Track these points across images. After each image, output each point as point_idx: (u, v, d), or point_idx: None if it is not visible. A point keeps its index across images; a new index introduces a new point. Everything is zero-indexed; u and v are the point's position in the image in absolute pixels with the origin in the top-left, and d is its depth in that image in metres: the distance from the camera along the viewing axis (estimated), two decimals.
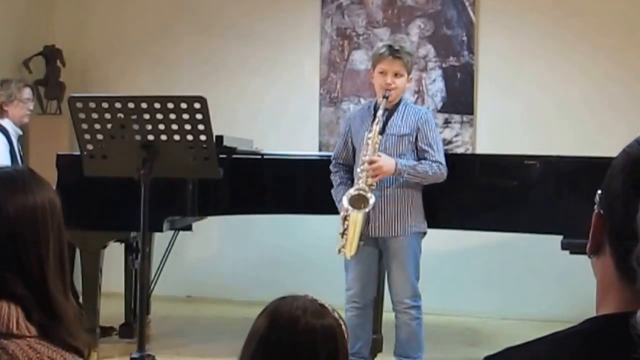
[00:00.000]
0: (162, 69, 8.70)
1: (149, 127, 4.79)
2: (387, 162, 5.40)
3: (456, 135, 8.16)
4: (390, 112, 5.56)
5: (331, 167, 5.77)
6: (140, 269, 5.08)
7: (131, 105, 4.80)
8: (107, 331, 6.60)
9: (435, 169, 5.51)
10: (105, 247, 6.23)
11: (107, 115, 4.84)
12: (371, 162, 5.36)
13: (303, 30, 8.53)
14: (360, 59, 8.33)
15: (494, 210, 6.09)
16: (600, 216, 1.43)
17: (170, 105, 4.76)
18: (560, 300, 7.48)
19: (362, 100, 7.94)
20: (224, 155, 5.99)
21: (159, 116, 4.77)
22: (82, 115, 4.86)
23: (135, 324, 6.27)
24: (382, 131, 5.47)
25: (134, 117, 4.79)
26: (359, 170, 5.42)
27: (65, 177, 6.06)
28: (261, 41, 8.56)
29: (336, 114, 8.38)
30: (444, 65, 8.19)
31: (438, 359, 6.27)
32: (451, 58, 8.18)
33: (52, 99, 8.68)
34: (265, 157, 6.48)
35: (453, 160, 5.75)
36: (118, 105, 4.82)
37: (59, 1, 9.04)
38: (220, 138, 5.92)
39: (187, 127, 4.78)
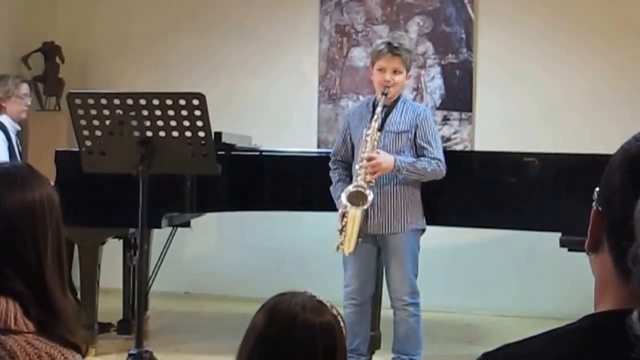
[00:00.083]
0: (161, 66, 8.70)
1: (148, 123, 4.78)
2: (385, 159, 5.40)
3: (455, 133, 8.16)
4: (389, 109, 5.56)
5: (330, 164, 5.77)
6: (138, 265, 5.08)
7: (130, 101, 4.80)
8: (105, 327, 6.61)
9: (434, 166, 5.51)
10: (103, 243, 6.24)
11: (106, 112, 4.83)
12: (370, 159, 5.37)
13: (302, 28, 8.53)
14: (359, 56, 8.32)
15: (492, 207, 6.09)
16: (598, 213, 1.43)
17: (169, 102, 4.76)
18: (559, 298, 7.48)
19: (360, 97, 7.94)
20: (223, 152, 5.99)
21: (158, 112, 4.76)
22: (80, 112, 4.85)
23: (134, 320, 6.28)
24: (380, 128, 5.47)
25: (133, 113, 4.78)
26: (357, 167, 5.42)
27: (64, 173, 6.07)
28: (260, 38, 8.56)
29: (335, 110, 8.37)
30: (442, 63, 8.19)
31: (436, 356, 6.27)
32: (450, 55, 8.18)
33: (51, 95, 8.67)
34: (263, 153, 6.49)
35: (452, 157, 5.74)
36: (116, 101, 4.82)
37: None
38: (218, 135, 5.93)
39: (186, 123, 4.78)
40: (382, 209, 5.49)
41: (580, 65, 7.93)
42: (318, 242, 6.86)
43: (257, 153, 6.52)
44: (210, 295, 8.41)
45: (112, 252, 6.69)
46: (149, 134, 4.79)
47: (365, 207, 5.34)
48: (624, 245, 1.32)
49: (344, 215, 5.38)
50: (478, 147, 8.05)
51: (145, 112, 4.77)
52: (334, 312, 2.32)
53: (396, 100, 5.60)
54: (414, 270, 5.60)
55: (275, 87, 8.50)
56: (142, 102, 4.77)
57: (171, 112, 4.76)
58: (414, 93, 8.13)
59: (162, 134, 4.79)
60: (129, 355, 4.85)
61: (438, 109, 8.14)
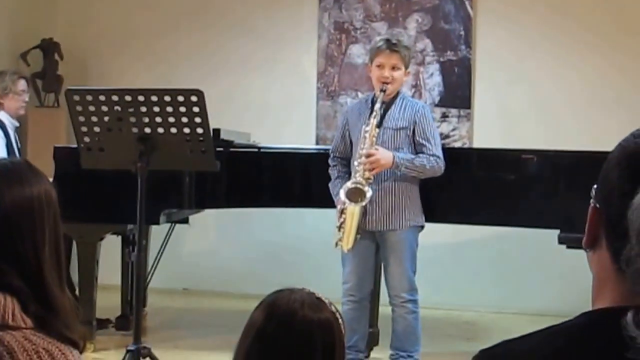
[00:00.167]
0: (160, 63, 8.69)
1: (146, 119, 4.78)
2: (384, 156, 5.40)
3: (453, 130, 8.16)
4: (387, 105, 5.56)
5: (329, 161, 5.77)
6: (136, 261, 5.08)
7: (128, 98, 4.79)
8: (103, 323, 6.61)
9: (433, 163, 5.51)
10: (102, 239, 6.24)
11: (104, 108, 4.83)
12: (368, 156, 5.37)
13: (301, 24, 8.52)
14: (357, 53, 8.32)
15: (490, 204, 6.09)
16: (596, 210, 1.43)
17: (167, 98, 4.75)
18: (557, 294, 7.48)
19: (359, 94, 7.94)
20: (221, 149, 5.99)
21: (156, 109, 4.76)
22: (79, 108, 4.85)
23: (132, 316, 6.28)
24: (379, 124, 5.47)
25: (131, 109, 4.78)
26: (356, 163, 5.42)
27: (63, 170, 6.06)
28: (259, 35, 8.56)
29: (333, 107, 8.37)
30: (441, 60, 8.19)
31: (435, 353, 6.27)
32: (449, 52, 8.18)
33: (50, 91, 8.68)
34: (262, 150, 6.49)
35: (450, 154, 5.74)
36: (115, 98, 4.82)
37: None
38: (217, 131, 5.93)
39: (184, 120, 4.78)
40: (381, 206, 5.49)
41: (579, 63, 7.93)
42: (316, 239, 6.87)
43: (256, 150, 6.52)
44: (208, 292, 8.42)
45: (110, 248, 6.69)
46: (148, 130, 4.79)
47: (364, 203, 5.34)
48: (620, 244, 1.32)
49: (342, 212, 5.38)
50: (476, 144, 8.05)
51: (143, 109, 4.77)
52: (333, 309, 2.32)
53: (395, 97, 5.60)
54: (412, 267, 5.60)
55: (274, 83, 8.50)
56: (141, 98, 4.77)
57: (169, 109, 4.76)
58: (413, 90, 8.12)
59: (160, 130, 4.79)
60: (127, 351, 4.85)
61: (436, 106, 8.15)
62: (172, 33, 8.75)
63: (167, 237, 6.92)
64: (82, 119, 4.87)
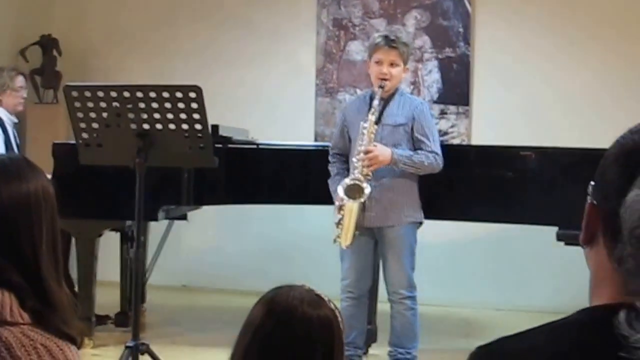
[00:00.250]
0: (158, 58, 8.70)
1: (145, 116, 4.78)
2: (382, 152, 5.40)
3: (452, 127, 8.16)
4: (386, 102, 5.56)
5: (329, 158, 5.77)
6: (134, 257, 5.08)
7: (126, 94, 4.79)
8: (102, 319, 6.61)
9: (432, 159, 5.50)
10: (100, 235, 6.24)
11: (103, 104, 4.83)
12: (367, 152, 5.36)
13: (299, 21, 8.52)
14: (356, 50, 8.32)
15: (489, 201, 6.09)
16: (593, 207, 1.43)
17: (166, 95, 4.75)
18: (555, 291, 7.48)
19: (358, 91, 7.93)
20: (220, 145, 5.99)
21: (155, 105, 4.76)
22: (77, 104, 4.84)
23: (131, 312, 6.28)
24: (377, 121, 5.47)
25: (130, 106, 4.78)
26: (354, 160, 5.42)
27: (62, 166, 6.06)
28: (258, 31, 8.56)
29: (332, 104, 8.37)
30: (440, 57, 8.19)
31: (433, 350, 6.27)
32: (447, 49, 8.17)
33: (49, 88, 8.69)
34: (260, 147, 6.49)
35: (449, 151, 5.74)
36: (113, 94, 4.81)
37: None
38: (215, 127, 5.93)
39: (183, 116, 4.77)
40: (379, 202, 5.49)
41: (578, 60, 7.93)
42: (315, 235, 6.87)
43: (254, 146, 6.52)
44: (207, 288, 8.42)
45: (109, 244, 6.69)
46: (146, 126, 4.79)
47: (362, 200, 5.34)
48: (616, 241, 1.32)
49: (340, 208, 5.38)
50: (475, 141, 8.05)
51: (142, 105, 4.77)
52: (332, 306, 2.31)
53: (393, 94, 5.60)
54: (411, 263, 5.60)
55: (273, 80, 8.50)
56: (139, 94, 4.77)
57: (168, 105, 4.76)
58: (411, 87, 8.12)
59: (159, 126, 4.79)
60: (126, 347, 4.85)
61: (435, 102, 8.14)
62: (171, 30, 8.75)
63: (166, 233, 6.92)
64: (80, 115, 4.87)
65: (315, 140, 8.27)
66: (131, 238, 6.47)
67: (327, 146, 5.94)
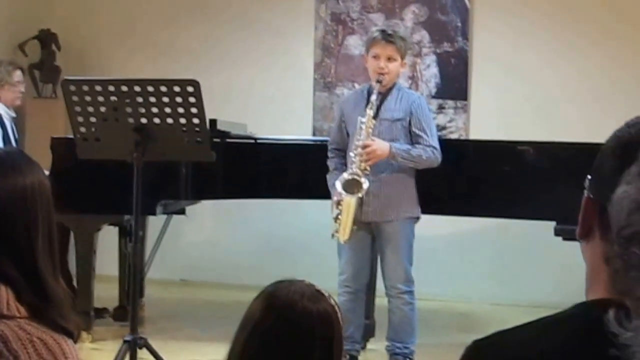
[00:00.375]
0: (157, 53, 8.69)
1: (142, 110, 4.78)
2: (380, 146, 5.39)
3: (450, 121, 8.15)
4: (383, 96, 5.56)
5: (328, 153, 5.77)
6: (132, 252, 5.08)
7: (124, 88, 4.79)
8: (100, 312, 6.61)
9: (430, 154, 5.50)
10: (99, 230, 6.24)
11: (100, 98, 4.83)
12: (365, 147, 5.36)
13: (297, 15, 8.52)
14: (354, 44, 8.31)
15: (487, 196, 6.10)
16: (589, 200, 1.43)
17: (164, 89, 4.75)
18: (553, 286, 7.48)
19: (356, 86, 7.92)
20: (218, 139, 5.99)
21: (152, 99, 4.76)
22: (75, 98, 4.84)
23: (129, 306, 6.28)
24: (375, 116, 5.47)
25: (127, 100, 4.78)
26: (352, 154, 5.42)
27: (60, 160, 6.06)
28: (256, 26, 8.55)
29: (330, 99, 8.36)
30: (438, 51, 8.18)
31: (430, 344, 6.27)
32: (445, 44, 8.17)
33: (48, 82, 8.69)
34: (259, 141, 6.49)
35: (447, 145, 5.74)
36: (111, 88, 4.81)
37: None
38: (213, 122, 5.93)
39: (180, 110, 4.77)
40: (377, 197, 5.49)
41: (576, 54, 7.93)
42: (313, 230, 6.87)
43: (253, 141, 6.51)
44: (206, 283, 8.42)
45: (108, 239, 6.69)
46: (144, 120, 4.79)
47: (360, 195, 5.34)
48: (607, 238, 1.32)
49: (338, 203, 5.38)
50: (473, 136, 8.05)
51: (139, 99, 4.77)
52: (332, 301, 2.32)
53: (391, 88, 5.59)
54: (408, 258, 5.61)
55: (271, 75, 8.49)
56: (137, 88, 4.77)
57: (165, 99, 4.76)
58: (409, 81, 8.11)
59: (156, 120, 4.79)
60: (124, 341, 4.85)
61: (433, 97, 8.14)
62: (169, 24, 8.75)
63: (164, 228, 6.92)
64: (78, 109, 4.87)
65: (314, 134, 8.27)
66: (129, 232, 6.46)
67: (325, 141, 5.94)
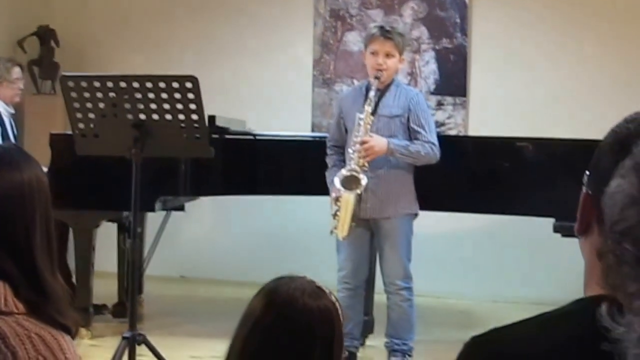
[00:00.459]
0: (156, 49, 8.69)
1: (141, 106, 4.78)
2: (378, 142, 5.39)
3: (449, 118, 8.15)
4: (382, 92, 5.55)
5: (327, 150, 5.77)
6: (131, 248, 5.07)
7: (123, 84, 4.79)
8: (99, 309, 6.62)
9: (428, 149, 5.50)
10: (98, 226, 6.24)
11: (99, 94, 4.83)
12: (363, 143, 5.36)
13: (296, 12, 8.51)
14: (353, 40, 8.31)
15: (486, 192, 6.10)
16: (588, 196, 1.43)
17: (162, 85, 4.75)
18: (552, 283, 7.48)
19: (355, 82, 7.92)
20: (217, 136, 5.99)
21: (151, 95, 4.76)
22: (73, 94, 4.84)
23: (128, 303, 6.29)
24: (373, 112, 5.47)
25: (126, 96, 4.77)
26: (350, 151, 5.42)
27: (59, 156, 6.07)
28: (255, 23, 8.54)
29: (329, 95, 8.36)
30: (437, 47, 8.17)
31: (429, 341, 6.28)
32: (444, 40, 8.16)
33: (47, 79, 8.69)
34: (257, 137, 6.48)
35: (446, 142, 5.73)
36: (110, 84, 4.81)
37: None
38: (212, 118, 5.93)
39: (179, 106, 4.77)
40: (375, 194, 5.48)
41: (575, 51, 7.92)
42: (312, 226, 6.87)
43: (252, 137, 6.51)
44: (205, 279, 8.42)
45: (107, 235, 6.69)
46: (142, 116, 4.79)
47: (359, 191, 5.34)
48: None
49: (337, 200, 5.38)
50: (472, 132, 8.04)
51: (138, 95, 4.77)
52: (333, 298, 2.31)
53: (389, 84, 5.59)
54: (407, 254, 5.60)
55: (270, 71, 8.49)
56: (135, 84, 4.77)
57: (164, 95, 4.76)
58: (408, 78, 8.11)
59: (155, 116, 4.79)
60: (123, 338, 4.85)
61: (432, 93, 8.13)
62: (168, 20, 8.74)
63: (163, 224, 6.92)
64: (76, 105, 4.87)
65: (313, 131, 8.27)
66: (128, 229, 6.46)
67: (324, 137, 5.94)
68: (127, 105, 4.79)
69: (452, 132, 8.05)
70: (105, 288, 6.75)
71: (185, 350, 6.07)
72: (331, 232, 5.45)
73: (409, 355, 5.71)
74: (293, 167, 6.37)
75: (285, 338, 2.21)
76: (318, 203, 6.05)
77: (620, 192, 1.28)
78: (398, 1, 8.25)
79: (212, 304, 7.63)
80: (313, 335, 2.22)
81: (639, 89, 7.59)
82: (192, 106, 4.78)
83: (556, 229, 5.76)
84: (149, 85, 4.76)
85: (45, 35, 8.65)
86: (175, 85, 4.75)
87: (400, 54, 5.56)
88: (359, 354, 5.88)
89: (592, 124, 6.89)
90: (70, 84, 4.84)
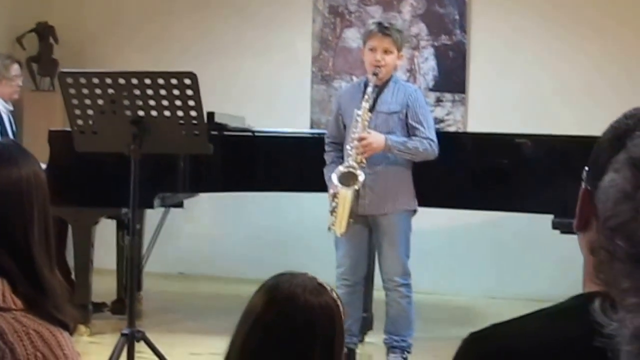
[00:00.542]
0: (155, 46, 8.68)
1: (140, 102, 4.78)
2: (376, 139, 5.39)
3: (448, 114, 8.15)
4: (380, 89, 5.55)
5: (325, 147, 5.76)
6: (130, 245, 5.07)
7: (121, 80, 4.78)
8: (99, 307, 6.62)
9: (426, 145, 5.49)
10: (96, 223, 6.24)
11: (98, 91, 4.82)
12: (360, 139, 5.36)
13: (295, 8, 8.51)
14: (352, 37, 8.30)
15: (484, 189, 6.10)
16: (587, 192, 1.42)
17: (161, 81, 4.75)
18: (551, 279, 7.48)
19: (354, 78, 7.91)
20: (215, 132, 5.99)
21: (150, 92, 4.75)
22: (72, 91, 4.84)
23: (127, 300, 6.28)
24: (371, 108, 5.46)
25: (125, 92, 4.77)
26: (348, 147, 5.41)
27: (58, 153, 6.06)
28: (254, 19, 8.54)
29: (328, 91, 8.36)
30: (436, 44, 8.17)
31: (428, 338, 6.28)
32: (443, 36, 8.16)
33: (45, 75, 8.69)
34: (256, 134, 6.48)
35: (444, 138, 5.73)
36: (108, 80, 4.80)
37: None
38: (211, 115, 5.92)
39: (178, 103, 4.77)
40: (373, 190, 5.48)
41: (575, 47, 7.92)
42: (311, 223, 6.86)
43: (250, 133, 6.51)
44: (204, 276, 8.43)
45: (106, 232, 6.69)
46: (141, 113, 4.78)
47: (356, 187, 5.33)
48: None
49: (335, 196, 5.38)
50: (471, 129, 8.04)
51: (137, 92, 4.76)
52: (334, 294, 2.31)
53: (387, 81, 5.58)
54: (405, 251, 5.60)
55: (268, 67, 8.49)
56: (134, 81, 4.76)
57: (163, 92, 4.76)
58: (407, 74, 8.11)
59: (154, 113, 4.78)
60: (122, 335, 4.85)
61: (431, 90, 8.13)
62: (168, 17, 8.74)
63: (162, 221, 6.92)
64: (75, 101, 4.86)
65: (311, 127, 8.27)
66: (127, 226, 6.45)
67: (323, 134, 5.94)
68: (126, 102, 4.79)
69: (451, 129, 8.05)
70: (104, 285, 6.75)
71: (184, 347, 6.07)
72: (329, 228, 5.44)
73: (408, 352, 5.71)
74: (292, 163, 6.36)
75: (286, 335, 2.20)
76: (317, 200, 6.04)
77: (613, 187, 1.26)
78: None
79: (211, 301, 7.63)
80: (314, 332, 2.22)
81: (639, 84, 7.59)
82: (191, 103, 4.77)
83: (555, 226, 5.75)
84: (147, 81, 4.75)
85: (44, 32, 8.65)
86: (174, 81, 4.74)
87: (399, 50, 5.56)
88: (357, 351, 5.88)
89: (592, 120, 6.89)
90: (69, 80, 4.84)
